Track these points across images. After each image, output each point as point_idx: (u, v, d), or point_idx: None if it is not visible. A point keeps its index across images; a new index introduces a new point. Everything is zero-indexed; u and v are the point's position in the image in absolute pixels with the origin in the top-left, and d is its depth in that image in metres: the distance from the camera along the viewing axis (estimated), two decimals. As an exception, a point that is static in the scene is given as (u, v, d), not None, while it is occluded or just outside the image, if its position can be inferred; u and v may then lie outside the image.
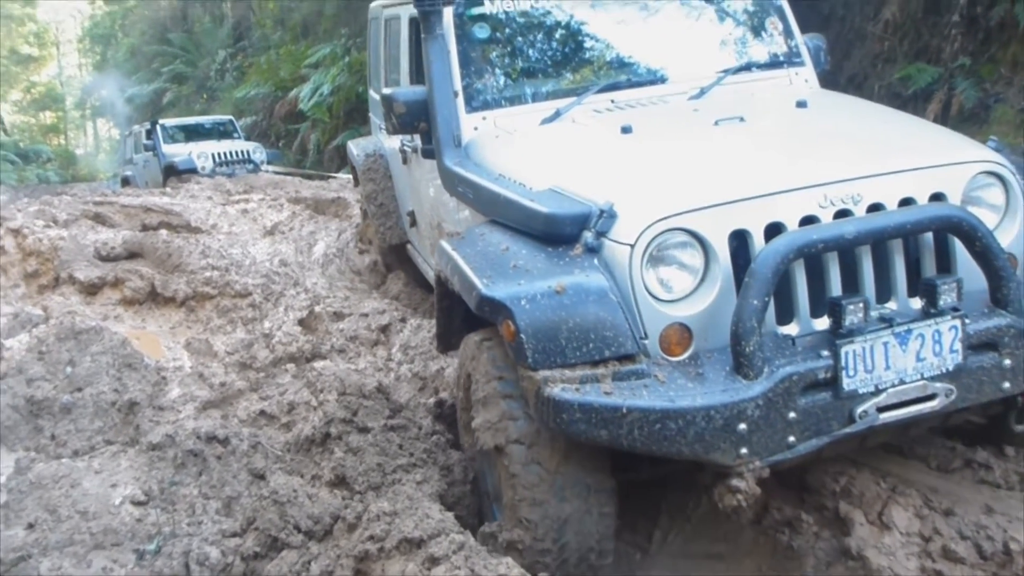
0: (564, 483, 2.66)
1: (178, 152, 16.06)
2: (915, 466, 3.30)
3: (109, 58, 37.48)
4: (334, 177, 14.03)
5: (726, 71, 3.95)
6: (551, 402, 2.42)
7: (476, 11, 3.95)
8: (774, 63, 4.11)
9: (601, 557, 2.79)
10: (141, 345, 4.94)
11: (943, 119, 7.76)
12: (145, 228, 7.73)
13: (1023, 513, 2.90)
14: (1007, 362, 2.66)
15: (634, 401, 2.42)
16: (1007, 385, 2.69)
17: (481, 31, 3.92)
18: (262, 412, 4.15)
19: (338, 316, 5.39)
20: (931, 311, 2.61)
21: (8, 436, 3.94)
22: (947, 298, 2.59)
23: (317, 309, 5.48)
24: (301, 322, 5.36)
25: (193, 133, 17.46)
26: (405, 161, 5.13)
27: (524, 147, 3.57)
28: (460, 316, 3.24)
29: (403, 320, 5.18)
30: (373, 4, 5.93)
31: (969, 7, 7.71)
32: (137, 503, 3.31)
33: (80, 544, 3.05)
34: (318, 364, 4.72)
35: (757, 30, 4.21)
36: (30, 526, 3.14)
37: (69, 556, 2.98)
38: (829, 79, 8.11)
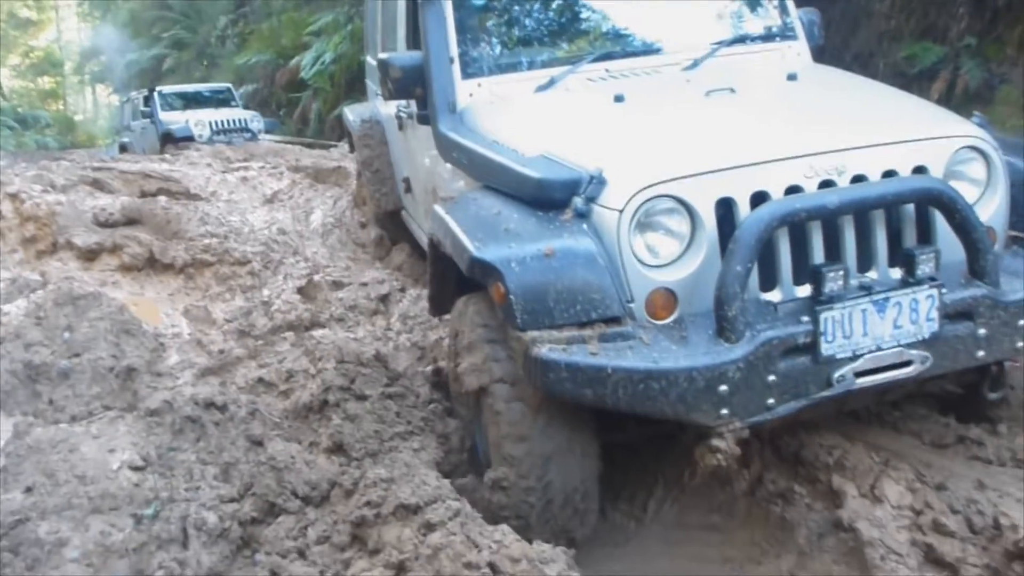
0: (547, 420, 2.74)
1: (175, 120, 16.10)
2: (908, 441, 3.33)
3: (109, 22, 37.13)
4: (335, 146, 13.97)
5: (720, 43, 3.99)
6: (539, 362, 2.49)
7: None
8: (768, 36, 4.14)
9: (586, 500, 2.86)
10: (139, 312, 4.93)
11: (948, 99, 7.72)
12: (144, 194, 7.70)
13: (1014, 489, 2.92)
14: (982, 331, 2.75)
15: (619, 362, 2.50)
16: (981, 354, 2.77)
17: None
18: (260, 379, 4.15)
19: (337, 285, 5.39)
20: (909, 280, 2.69)
21: (6, 401, 3.94)
22: (925, 268, 2.68)
23: (316, 278, 5.48)
24: (300, 291, 5.36)
25: (191, 101, 17.50)
26: (401, 127, 5.15)
27: (518, 114, 3.61)
28: (453, 280, 3.29)
29: (403, 290, 5.19)
30: None
31: (977, -14, 7.67)
32: (135, 468, 3.31)
33: (78, 508, 3.06)
34: (316, 332, 4.72)
35: (752, 4, 4.24)
36: (28, 490, 3.15)
37: (67, 520, 2.99)
38: (835, 56, 8.07)
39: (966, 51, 7.76)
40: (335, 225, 6.87)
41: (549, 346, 2.51)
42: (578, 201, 2.74)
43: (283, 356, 4.43)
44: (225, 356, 4.49)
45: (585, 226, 2.71)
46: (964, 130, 2.98)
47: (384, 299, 5.16)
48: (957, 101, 7.64)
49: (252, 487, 3.01)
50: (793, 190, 2.72)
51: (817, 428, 3.28)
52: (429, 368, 3.95)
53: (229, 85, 19.12)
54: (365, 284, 5.31)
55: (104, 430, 3.62)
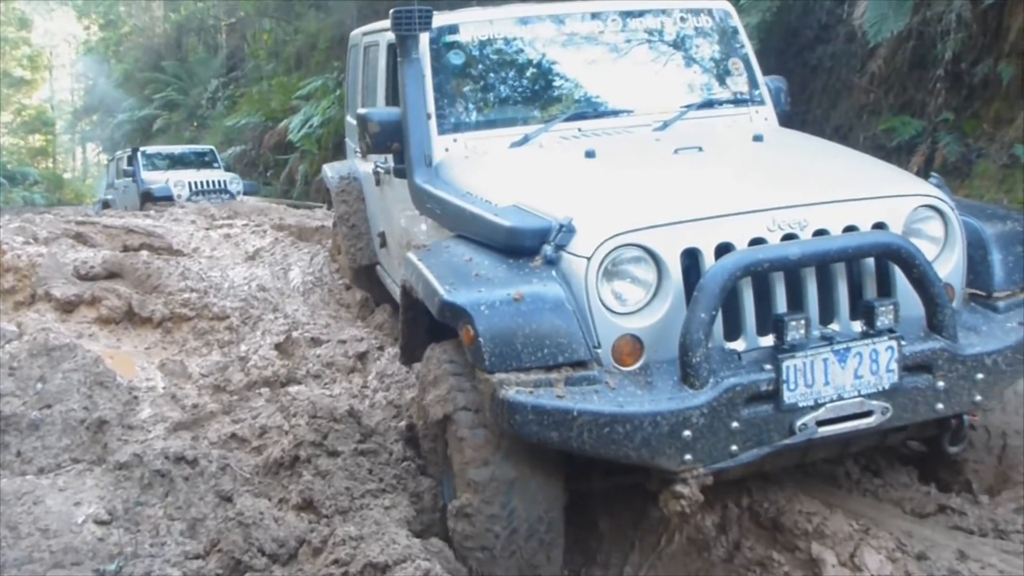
0: (509, 446, 2.77)
1: (156, 180, 16.46)
2: (889, 510, 3.29)
3: (102, 83, 37.52)
4: (320, 206, 14.06)
5: (689, 106, 4.14)
6: (506, 404, 2.54)
7: (451, 38, 4.13)
8: (736, 101, 4.30)
9: (551, 531, 2.85)
10: (115, 364, 4.87)
11: (926, 172, 7.84)
12: (126, 249, 7.67)
13: (996, 560, 2.88)
14: (941, 384, 2.81)
15: (585, 405, 2.54)
16: (940, 407, 2.83)
17: (456, 58, 4.12)
18: (233, 435, 4.09)
19: (315, 342, 5.35)
20: (869, 332, 2.75)
21: (-27, 452, 3.86)
22: (884, 320, 2.74)
23: (295, 334, 5.44)
24: (278, 347, 5.31)
25: (174, 161, 17.87)
26: (378, 183, 5.26)
27: (492, 168, 3.74)
28: (424, 328, 3.37)
29: (381, 348, 5.15)
30: (354, 32, 6.09)
31: (954, 63, 7.84)
32: (100, 522, 3.24)
33: (39, 562, 2.98)
34: (292, 389, 4.67)
35: (721, 70, 4.40)
36: (-11, 542, 3.08)
37: (27, 573, 2.92)
38: (816, 128, 8.23)
39: (944, 125, 7.92)
40: (316, 284, 6.85)
41: (516, 388, 2.55)
42: (548, 248, 2.81)
43: (257, 412, 4.37)
44: (199, 411, 4.43)
45: (554, 273, 2.78)
46: (922, 189, 3.09)
47: (362, 357, 5.13)
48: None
49: (219, 544, 2.95)
50: (757, 242, 2.80)
51: (796, 494, 3.25)
52: (403, 423, 3.89)
53: (212, 147, 19.42)
54: (343, 342, 5.27)
55: (71, 483, 3.55)
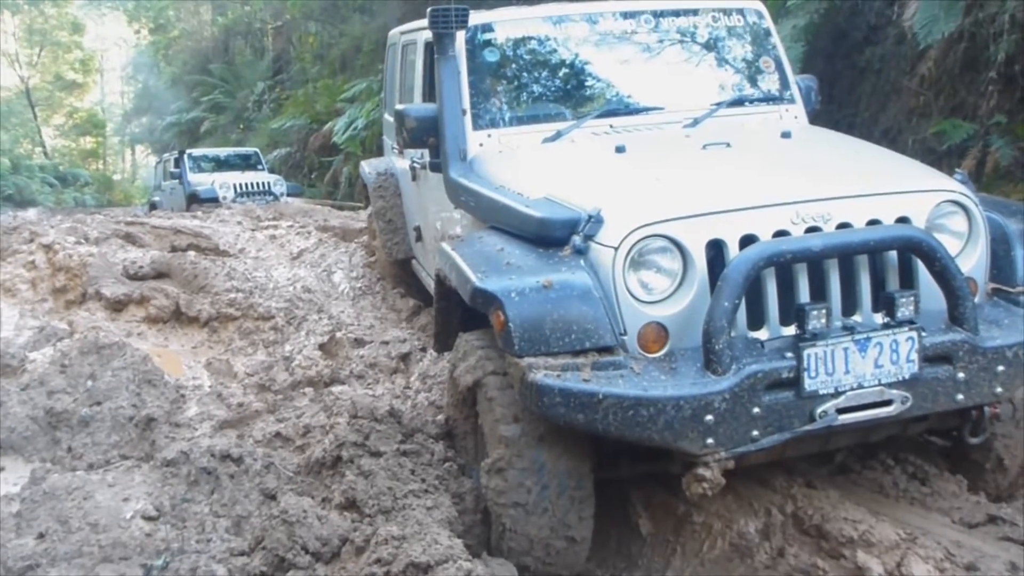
0: None
1: (202, 181, 16.71)
2: (937, 519, 3.23)
3: (151, 86, 38.18)
4: (363, 207, 14.13)
5: (720, 104, 4.21)
6: (534, 386, 2.62)
7: (487, 37, 4.26)
8: (766, 99, 4.38)
9: (580, 488, 2.91)
10: (162, 363, 4.96)
11: (978, 176, 7.69)
12: (174, 249, 7.79)
13: (1048, 572, 2.82)
14: (961, 375, 2.86)
15: (610, 388, 2.62)
16: (960, 397, 2.88)
17: (491, 55, 4.24)
18: (278, 434, 4.14)
19: (359, 343, 5.39)
20: (890, 322, 2.81)
21: (26, 447, 3.95)
22: (905, 311, 2.79)
23: (338, 335, 5.48)
24: (322, 347, 5.36)
25: (219, 164, 18.13)
26: (414, 178, 5.37)
27: (524, 162, 3.84)
28: (457, 316, 3.49)
29: (423, 349, 5.17)
30: (392, 31, 6.21)
31: (1006, 65, 7.66)
32: (148, 518, 3.31)
33: (88, 556, 3.04)
34: (336, 389, 4.71)
35: (752, 70, 4.46)
36: (40, 536, 3.15)
37: (76, 567, 2.98)
38: (864, 132, 8.10)
39: (996, 129, 7.74)
40: (361, 287, 6.89)
41: (544, 372, 2.64)
42: (577, 239, 2.90)
43: (301, 411, 4.42)
44: (244, 409, 4.48)
45: (582, 262, 2.87)
46: (946, 185, 3.13)
47: (405, 358, 5.15)
48: (987, 179, 7.60)
49: (263, 541, 2.98)
50: (780, 234, 2.86)
51: (842, 501, 3.20)
52: (441, 417, 3.90)
53: (256, 150, 19.67)
54: (387, 343, 5.31)
55: (120, 479, 3.62)
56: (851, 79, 9.30)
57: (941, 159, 7.75)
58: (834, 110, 9.07)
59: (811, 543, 3.13)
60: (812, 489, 3.32)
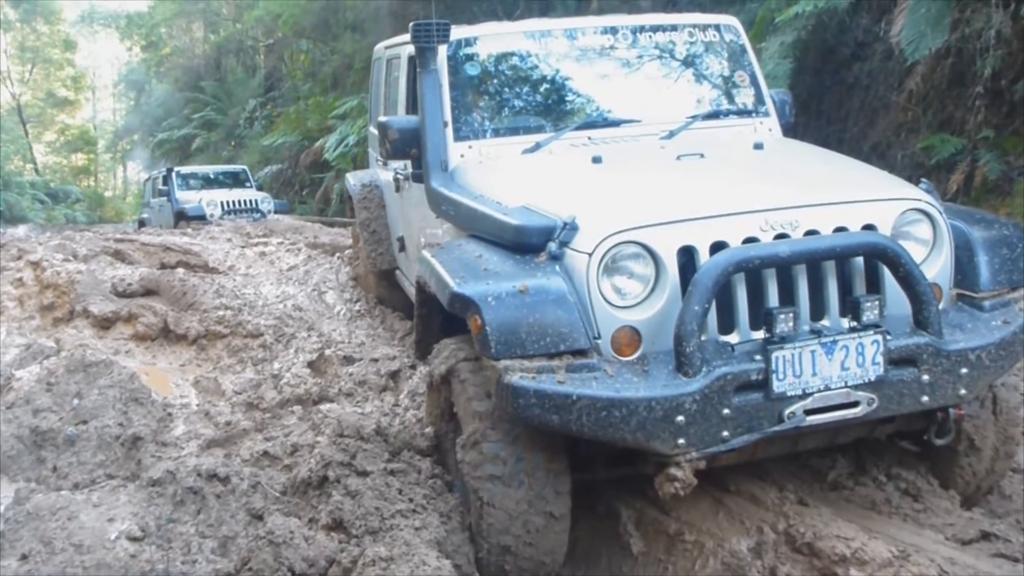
0: None
1: (190, 199, 16.82)
2: (930, 535, 3.21)
3: (142, 103, 38.20)
4: (352, 223, 14.13)
5: (695, 117, 4.31)
6: (510, 388, 2.69)
7: (468, 51, 4.37)
8: (741, 112, 4.49)
9: (555, 461, 2.97)
10: (150, 381, 4.91)
11: (966, 190, 7.73)
12: (163, 266, 7.76)
13: (1042, 589, 2.80)
14: (925, 377, 2.93)
15: (584, 390, 2.69)
16: (925, 399, 2.95)
17: (472, 69, 4.34)
18: (265, 453, 4.10)
19: (348, 360, 5.36)
20: (855, 326, 2.88)
21: (10, 466, 3.91)
22: (870, 315, 2.88)
23: (327, 352, 5.45)
24: (310, 365, 5.33)
25: (208, 181, 18.24)
26: (398, 189, 5.47)
27: (503, 172, 3.93)
28: (438, 323, 3.58)
29: (413, 367, 5.14)
30: (377, 46, 6.34)
31: (993, 80, 7.72)
32: (133, 539, 3.26)
33: (71, 578, 3.00)
34: (324, 407, 4.67)
35: (728, 84, 4.59)
36: (24, 557, 3.10)
37: (60, 589, 2.93)
38: (853, 148, 8.13)
39: (984, 143, 7.79)
40: (359, 311, 6.85)
41: (520, 374, 2.71)
42: (552, 245, 2.99)
43: (290, 430, 4.37)
44: (232, 428, 4.44)
45: (558, 267, 2.95)
46: (911, 193, 3.23)
47: (394, 375, 5.12)
48: (975, 193, 7.64)
49: (249, 562, 2.95)
50: (750, 241, 2.93)
51: (834, 519, 3.18)
52: (429, 429, 3.87)
53: (245, 167, 19.77)
54: (376, 360, 5.28)
55: (105, 499, 3.57)
56: (839, 95, 9.35)
57: (930, 174, 7.78)
58: (823, 125, 9.12)
59: (803, 561, 3.10)
60: (804, 506, 3.30)
